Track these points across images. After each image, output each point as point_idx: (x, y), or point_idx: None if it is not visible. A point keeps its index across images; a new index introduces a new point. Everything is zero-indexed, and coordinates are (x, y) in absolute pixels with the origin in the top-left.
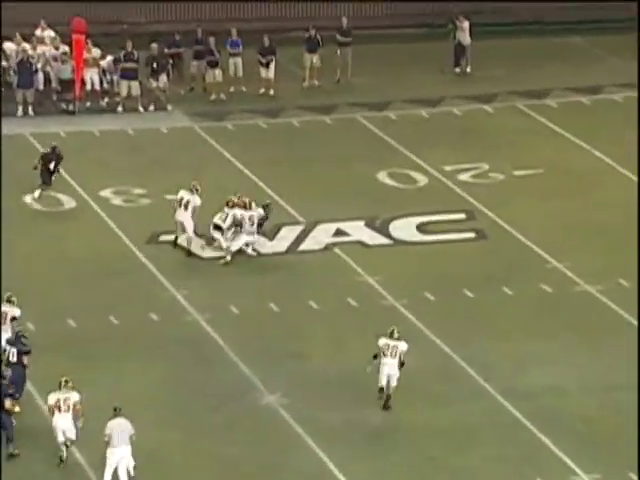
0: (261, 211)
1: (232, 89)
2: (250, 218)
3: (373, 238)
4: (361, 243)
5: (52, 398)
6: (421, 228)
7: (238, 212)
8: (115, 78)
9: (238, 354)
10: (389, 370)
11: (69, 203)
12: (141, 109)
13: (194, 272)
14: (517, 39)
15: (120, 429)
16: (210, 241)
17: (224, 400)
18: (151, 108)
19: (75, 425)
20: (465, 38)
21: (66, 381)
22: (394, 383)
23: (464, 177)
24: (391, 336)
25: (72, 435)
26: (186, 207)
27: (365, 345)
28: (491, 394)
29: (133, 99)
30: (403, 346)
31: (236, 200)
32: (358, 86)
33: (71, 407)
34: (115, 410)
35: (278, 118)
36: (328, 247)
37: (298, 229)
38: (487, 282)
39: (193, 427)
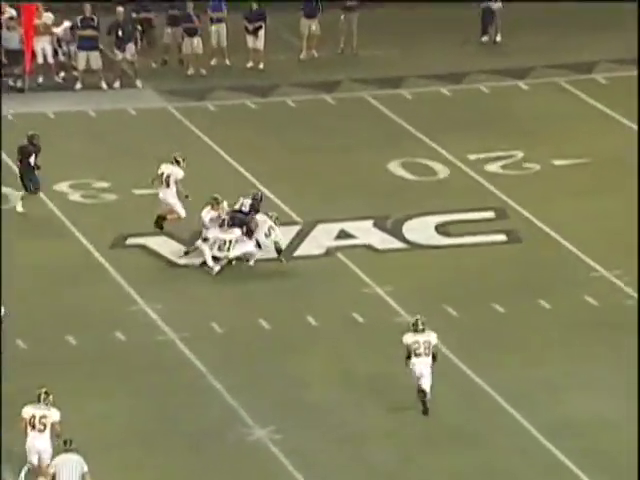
0: (279, 235)
1: (214, 62)
2: (270, 229)
3: (384, 241)
4: (369, 247)
5: (27, 413)
6: (441, 229)
7: (260, 218)
8: (72, 49)
9: (222, 381)
10: (421, 369)
11: (17, 199)
12: (104, 86)
13: (169, 282)
14: (557, 2)
15: (69, 466)
16: (190, 250)
17: (205, 436)
18: (116, 85)
19: (52, 446)
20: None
21: (46, 393)
22: (428, 387)
23: (493, 168)
24: (416, 329)
25: (48, 458)
26: (167, 183)
27: (374, 369)
28: (526, 428)
29: (94, 74)
30: (434, 338)
31: (231, 222)
32: (366, 58)
33: (48, 426)
34: (65, 443)
35: (269, 97)
36: (330, 252)
37: (294, 230)
38: (521, 294)
39: (168, 469)
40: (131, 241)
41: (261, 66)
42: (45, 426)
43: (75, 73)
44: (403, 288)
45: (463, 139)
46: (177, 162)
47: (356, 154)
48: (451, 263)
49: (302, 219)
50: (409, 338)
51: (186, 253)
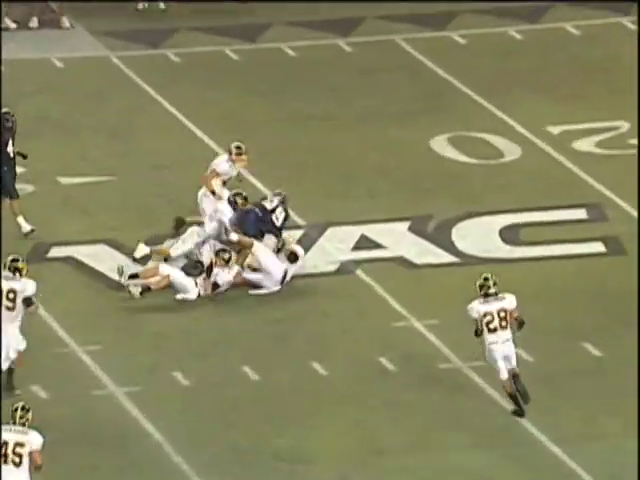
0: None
1: None
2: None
3: (424, 252)
4: (403, 261)
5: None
6: (509, 235)
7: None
8: None
9: (188, 456)
10: (505, 350)
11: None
12: (12, 25)
13: (111, 312)
14: None
15: None
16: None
17: None
18: (33, 24)
19: None
20: None
21: (24, 409)
22: (515, 364)
23: (585, 145)
24: (486, 293)
25: None
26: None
27: (407, 441)
28: None
29: None
30: (512, 302)
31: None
32: None
33: (25, 457)
34: None
35: (258, 43)
36: (345, 267)
37: (295, 237)
38: (624, 329)
39: None
40: (56, 252)
41: None
42: (21, 458)
43: None
44: (452, 321)
45: (540, 103)
46: (229, 152)
47: (384, 126)
48: (523, 285)
49: (306, 220)
50: (478, 309)
51: (132, 277)
